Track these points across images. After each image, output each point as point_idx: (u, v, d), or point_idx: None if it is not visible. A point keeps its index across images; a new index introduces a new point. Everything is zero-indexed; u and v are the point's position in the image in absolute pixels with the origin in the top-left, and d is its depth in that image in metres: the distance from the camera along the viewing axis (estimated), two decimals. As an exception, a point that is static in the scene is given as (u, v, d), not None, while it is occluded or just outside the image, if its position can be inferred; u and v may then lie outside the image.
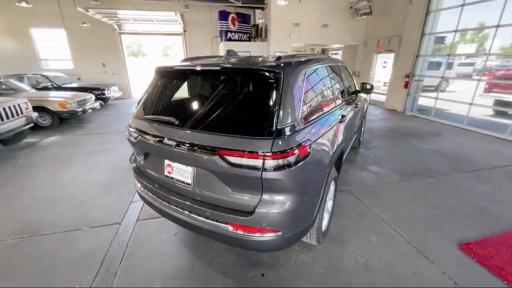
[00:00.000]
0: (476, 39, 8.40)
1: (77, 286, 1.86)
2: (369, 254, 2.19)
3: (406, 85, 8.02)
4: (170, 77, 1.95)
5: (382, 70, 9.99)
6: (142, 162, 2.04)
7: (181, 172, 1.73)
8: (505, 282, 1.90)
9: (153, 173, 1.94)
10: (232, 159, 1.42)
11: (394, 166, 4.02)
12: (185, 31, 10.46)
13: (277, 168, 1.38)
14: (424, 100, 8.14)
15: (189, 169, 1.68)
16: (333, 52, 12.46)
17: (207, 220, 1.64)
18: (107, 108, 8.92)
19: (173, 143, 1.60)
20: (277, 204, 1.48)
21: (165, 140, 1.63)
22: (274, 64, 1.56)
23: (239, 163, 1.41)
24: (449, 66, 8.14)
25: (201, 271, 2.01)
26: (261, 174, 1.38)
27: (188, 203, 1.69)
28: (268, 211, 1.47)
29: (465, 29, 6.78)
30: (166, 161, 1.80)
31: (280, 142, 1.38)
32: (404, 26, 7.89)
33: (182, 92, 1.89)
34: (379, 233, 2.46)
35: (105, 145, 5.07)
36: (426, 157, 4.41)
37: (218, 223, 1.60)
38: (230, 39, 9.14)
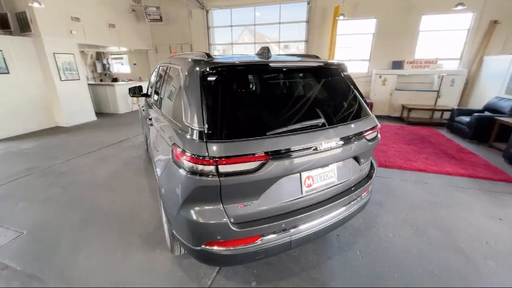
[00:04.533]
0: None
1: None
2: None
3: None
4: (265, 79, 1.49)
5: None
6: (253, 203, 1.39)
7: (323, 176, 1.60)
8: (399, 169, 3.98)
9: (282, 203, 1.47)
10: (369, 136, 1.76)
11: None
12: None
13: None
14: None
15: (332, 167, 1.63)
16: (114, 56, 11.00)
17: (351, 204, 1.78)
18: None
19: (328, 145, 1.49)
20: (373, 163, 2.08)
21: (323, 146, 1.44)
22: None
23: (372, 137, 1.79)
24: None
25: (322, 273, 1.98)
26: (377, 142, 1.90)
27: (335, 202, 1.67)
28: (375, 168, 2.02)
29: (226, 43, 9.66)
30: (305, 174, 1.51)
31: (373, 116, 1.97)
32: (191, 36, 9.31)
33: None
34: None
35: None
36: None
37: (359, 199, 1.84)
38: None
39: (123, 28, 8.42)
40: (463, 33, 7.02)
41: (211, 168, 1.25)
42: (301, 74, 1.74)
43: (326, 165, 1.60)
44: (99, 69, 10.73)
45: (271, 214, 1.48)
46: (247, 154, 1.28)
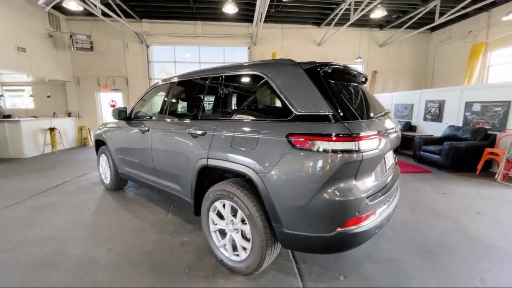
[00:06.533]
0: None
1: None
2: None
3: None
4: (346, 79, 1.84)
5: (110, 108, 9.53)
6: (369, 179, 1.57)
7: (390, 158, 1.96)
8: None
9: (380, 180, 1.70)
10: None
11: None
12: None
13: None
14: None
15: (391, 151, 2.03)
16: (9, 88, 8.52)
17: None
18: None
19: (394, 130, 1.90)
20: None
21: (396, 128, 1.85)
22: None
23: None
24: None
25: (385, 252, 2.22)
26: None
27: (396, 182, 2.04)
28: (395, 157, 2.59)
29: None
30: (385, 156, 1.82)
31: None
32: (127, 69, 8.64)
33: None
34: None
35: None
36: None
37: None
38: None
39: (36, 53, 6.95)
40: (358, 78, 9.80)
41: (355, 144, 1.39)
42: (359, 76, 2.16)
43: (393, 147, 1.99)
44: (-21, 103, 8.06)
45: (377, 189, 1.68)
46: (377, 131, 1.51)
